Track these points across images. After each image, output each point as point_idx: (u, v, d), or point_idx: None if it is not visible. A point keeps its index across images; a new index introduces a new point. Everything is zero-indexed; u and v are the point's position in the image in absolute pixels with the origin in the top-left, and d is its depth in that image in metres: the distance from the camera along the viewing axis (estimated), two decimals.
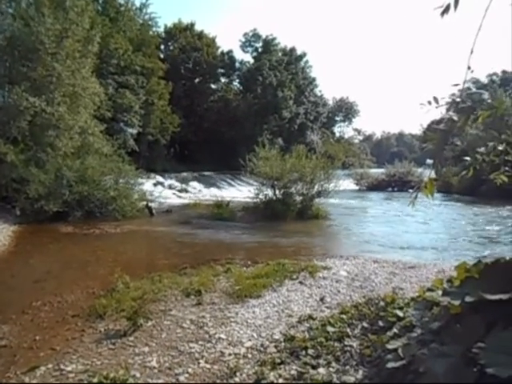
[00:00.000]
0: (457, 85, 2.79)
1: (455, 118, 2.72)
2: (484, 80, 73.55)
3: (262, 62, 42.19)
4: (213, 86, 44.53)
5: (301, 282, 5.80)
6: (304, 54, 49.03)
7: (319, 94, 54.76)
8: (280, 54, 46.34)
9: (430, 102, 2.71)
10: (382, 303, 4.28)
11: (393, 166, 31.39)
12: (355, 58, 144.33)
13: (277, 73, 42.39)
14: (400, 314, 3.83)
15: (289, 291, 5.45)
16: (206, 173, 33.55)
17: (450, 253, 8.96)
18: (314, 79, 51.82)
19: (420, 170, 31.06)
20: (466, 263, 4.57)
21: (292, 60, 46.70)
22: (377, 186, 29.63)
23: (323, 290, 5.42)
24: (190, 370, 3.46)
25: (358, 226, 13.56)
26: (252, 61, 44.97)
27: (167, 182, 26.72)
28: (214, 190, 27.10)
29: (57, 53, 13.74)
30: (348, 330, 3.92)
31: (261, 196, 15.22)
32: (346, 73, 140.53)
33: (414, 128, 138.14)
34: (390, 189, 29.60)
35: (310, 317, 4.43)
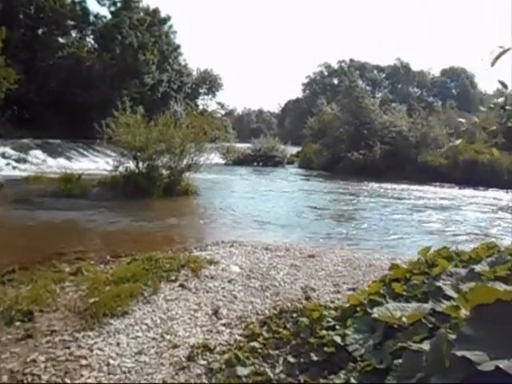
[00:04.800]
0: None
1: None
2: (335, 65, 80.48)
3: (122, 19, 37.73)
4: (61, 40, 38.27)
5: (182, 286, 4.35)
6: (168, 18, 45.70)
7: (183, 63, 52.20)
8: (142, 13, 42.21)
9: None
10: (303, 319, 3.13)
11: (258, 140, 31.50)
12: (219, 31, 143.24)
13: (138, 33, 38.45)
14: (338, 339, 2.72)
15: (168, 301, 3.95)
16: (53, 140, 28.55)
17: (325, 233, 8.53)
18: (178, 46, 48.95)
19: (283, 146, 31.89)
20: (400, 263, 3.73)
21: (155, 22, 42.97)
22: (243, 161, 29.40)
23: (214, 297, 4.07)
24: None
25: (230, 202, 12.54)
26: (109, 16, 39.94)
27: None
28: (62, 161, 23.09)
29: None
30: (268, 369, 2.66)
31: (121, 169, 12.99)
32: (209, 45, 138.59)
33: (272, 106, 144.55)
34: (255, 163, 29.67)
35: (206, 347, 3.05)
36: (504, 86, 2.24)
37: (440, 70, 79.28)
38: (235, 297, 4.05)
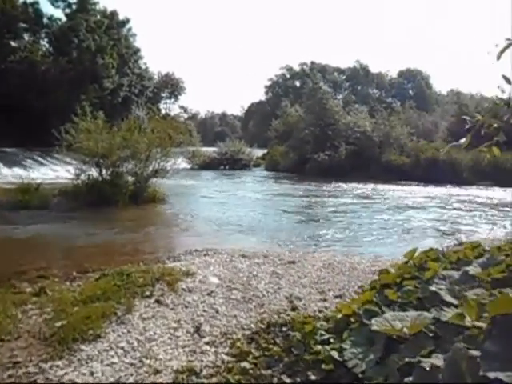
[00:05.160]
0: None
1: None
2: (296, 68, 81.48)
3: (78, 22, 36.43)
4: (13, 44, 36.45)
5: (159, 302, 4.05)
6: (127, 20, 44.65)
7: (144, 67, 51.11)
8: (99, 16, 40.94)
9: None
10: (295, 334, 2.93)
11: (224, 144, 31.23)
12: (179, 34, 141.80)
13: (95, 36, 37.26)
14: (335, 354, 2.54)
15: (144, 320, 3.65)
16: (7, 149, 27.08)
17: (300, 236, 8.41)
18: (138, 49, 47.84)
19: (249, 149, 31.77)
20: (388, 267, 3.61)
21: (113, 24, 41.82)
22: (209, 165, 29.02)
23: (195, 312, 3.80)
24: None
25: (200, 208, 12.24)
26: (64, 18, 38.48)
27: None
28: (18, 171, 21.85)
29: None
30: None
31: (83, 177, 12.38)
32: (170, 48, 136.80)
33: (235, 109, 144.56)
34: (222, 167, 29.38)
35: (191, 370, 2.79)
36: (508, 81, 2.13)
37: (397, 71, 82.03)
38: (217, 311, 3.80)
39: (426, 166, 22.15)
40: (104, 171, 12.46)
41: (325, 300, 3.89)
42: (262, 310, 3.73)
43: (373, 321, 2.54)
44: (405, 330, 2.41)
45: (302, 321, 3.04)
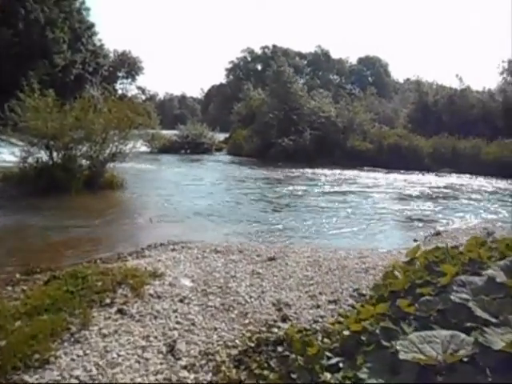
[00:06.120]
0: None
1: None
2: (258, 51, 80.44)
3: None
4: None
5: (122, 312, 3.40)
6: None
7: (99, 44, 48.34)
8: None
9: None
10: (296, 357, 2.41)
11: (185, 127, 30.07)
12: (137, 10, 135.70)
13: (45, 8, 34.57)
14: None
15: (105, 337, 3.00)
16: None
17: (271, 226, 7.94)
18: (92, 25, 45.09)
19: (211, 132, 30.80)
20: (393, 268, 3.16)
21: None
22: (170, 148, 27.79)
23: (166, 325, 3.20)
24: None
25: (162, 195, 11.41)
26: None
27: None
28: None
29: None
30: None
31: (31, 160, 11.22)
32: (126, 26, 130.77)
33: (195, 91, 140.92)
34: (183, 151, 28.30)
35: None
36: None
37: (357, 58, 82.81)
38: (193, 322, 3.22)
39: (389, 152, 22.29)
40: (55, 154, 11.37)
41: (318, 306, 3.40)
42: (247, 321, 3.19)
43: (398, 346, 2.05)
44: (439, 357, 1.95)
45: (300, 339, 2.52)
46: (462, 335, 2.05)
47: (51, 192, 9.93)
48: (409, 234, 7.58)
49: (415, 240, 6.75)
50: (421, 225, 8.36)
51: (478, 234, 6.64)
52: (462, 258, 3.14)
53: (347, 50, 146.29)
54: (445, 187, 14.63)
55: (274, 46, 79.12)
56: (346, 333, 2.49)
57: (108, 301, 3.56)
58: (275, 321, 3.14)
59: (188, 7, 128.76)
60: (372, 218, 9.00)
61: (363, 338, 2.39)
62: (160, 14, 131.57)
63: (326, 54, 79.87)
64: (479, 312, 2.24)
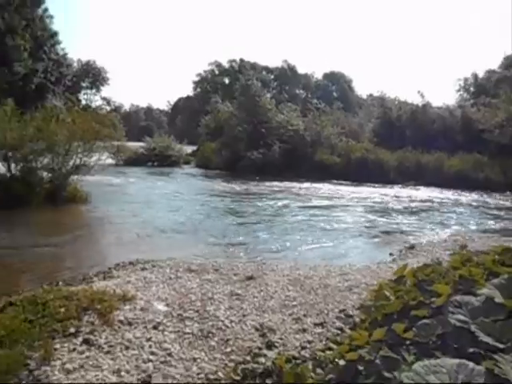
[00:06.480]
0: None
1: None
2: (225, 65, 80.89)
3: None
4: None
5: (88, 342, 3.06)
6: (43, 0, 40.53)
7: (62, 53, 47.01)
8: None
9: None
10: None
11: (152, 139, 29.48)
12: (102, 21, 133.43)
13: (5, 14, 33.26)
14: None
15: (69, 374, 2.66)
16: None
17: (244, 242, 7.71)
18: (55, 33, 43.74)
19: (179, 145, 30.37)
20: (383, 289, 3.01)
21: (27, 3, 37.70)
22: (136, 161, 27.06)
23: (139, 356, 2.89)
24: None
25: (129, 209, 10.95)
26: None
27: None
28: None
29: None
30: None
31: None
32: (91, 35, 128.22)
33: (161, 103, 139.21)
34: (150, 163, 27.68)
35: None
36: None
37: (322, 73, 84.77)
38: (169, 353, 2.92)
39: (357, 165, 22.61)
40: (13, 166, 10.75)
41: (304, 330, 3.19)
42: (229, 349, 2.94)
43: (404, 378, 1.87)
44: None
45: (292, 370, 2.30)
46: (471, 364, 1.90)
47: (9, 206, 9.31)
48: (383, 247, 7.55)
49: (391, 254, 6.70)
50: (393, 238, 8.37)
51: (450, 247, 6.70)
52: (451, 275, 3.04)
53: (313, 66, 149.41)
54: (412, 200, 14.90)
55: (242, 60, 79.80)
56: (342, 362, 2.29)
57: (72, 330, 3.20)
58: (260, 348, 2.90)
59: (155, 19, 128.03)
60: (345, 231, 8.94)
61: (361, 367, 2.21)
62: (126, 25, 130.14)
63: (292, 69, 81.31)
64: (483, 336, 2.10)
